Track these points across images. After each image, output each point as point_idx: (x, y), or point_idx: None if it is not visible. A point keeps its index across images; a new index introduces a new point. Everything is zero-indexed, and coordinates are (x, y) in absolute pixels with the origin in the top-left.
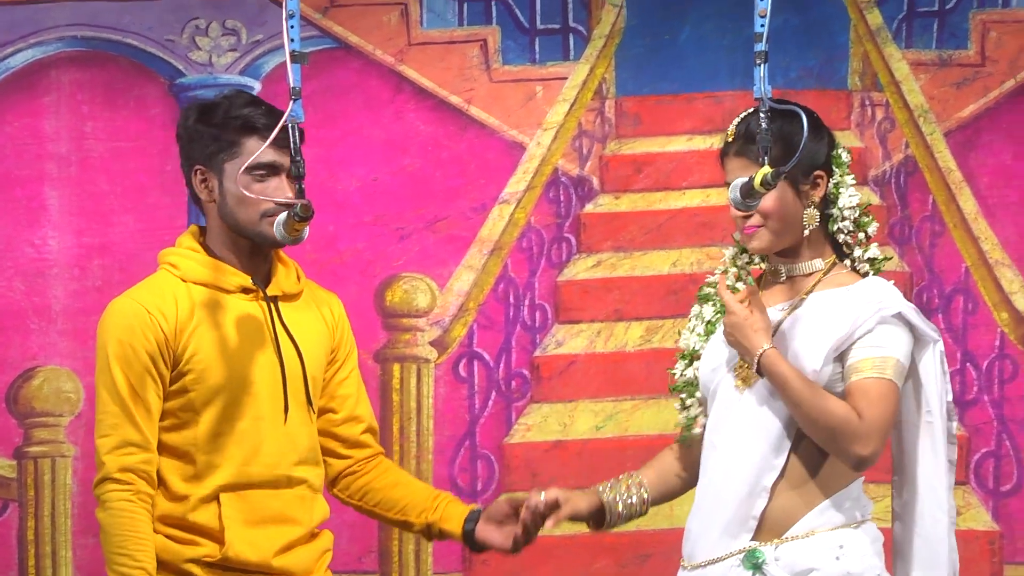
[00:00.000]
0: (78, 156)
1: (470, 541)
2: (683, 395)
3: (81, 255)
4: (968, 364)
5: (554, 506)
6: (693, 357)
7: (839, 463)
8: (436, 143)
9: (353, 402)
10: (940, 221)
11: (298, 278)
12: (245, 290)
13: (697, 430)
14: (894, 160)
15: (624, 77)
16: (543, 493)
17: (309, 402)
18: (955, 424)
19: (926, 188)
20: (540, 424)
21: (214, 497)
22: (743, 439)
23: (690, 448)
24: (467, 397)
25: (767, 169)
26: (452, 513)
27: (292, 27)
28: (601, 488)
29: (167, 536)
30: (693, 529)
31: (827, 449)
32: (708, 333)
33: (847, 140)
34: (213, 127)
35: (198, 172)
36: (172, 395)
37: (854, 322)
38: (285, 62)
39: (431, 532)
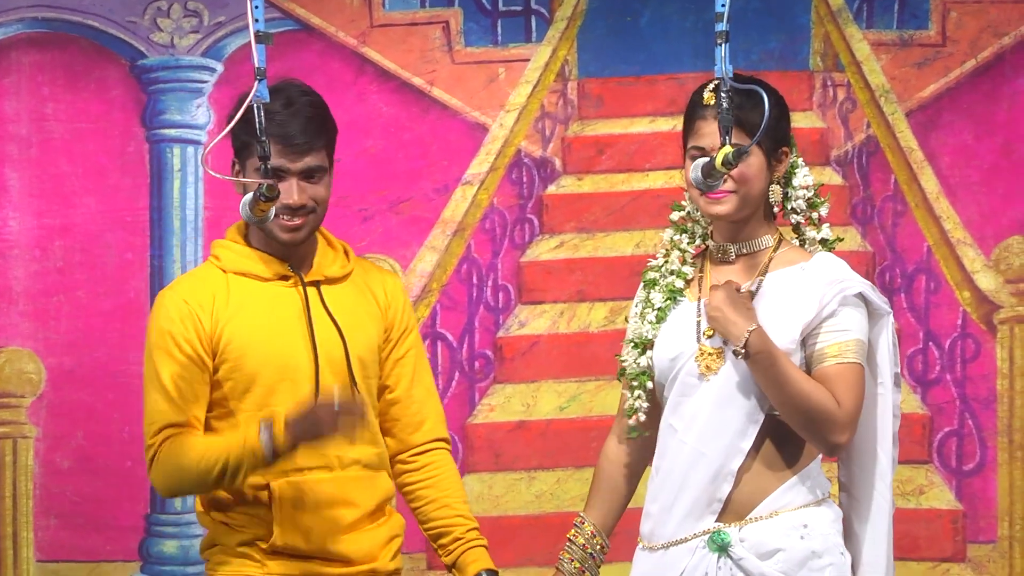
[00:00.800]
0: (39, 138)
1: None
2: (634, 383)
3: (42, 236)
4: (930, 343)
5: None
6: (646, 345)
7: (800, 443)
8: (399, 125)
9: (408, 381)
10: (902, 201)
11: (347, 259)
12: (283, 277)
13: (634, 422)
14: (856, 140)
15: (586, 59)
16: None
17: (353, 382)
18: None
19: (888, 168)
20: (503, 404)
21: (264, 486)
22: (708, 424)
23: (625, 447)
24: None
25: (728, 149)
26: (463, 565)
27: (257, 7)
28: (561, 564)
29: (221, 522)
30: (653, 511)
31: (802, 434)
32: (660, 320)
33: (809, 121)
34: (243, 122)
35: (235, 164)
36: (215, 385)
37: (820, 302)
38: (247, 44)
39: (446, 566)
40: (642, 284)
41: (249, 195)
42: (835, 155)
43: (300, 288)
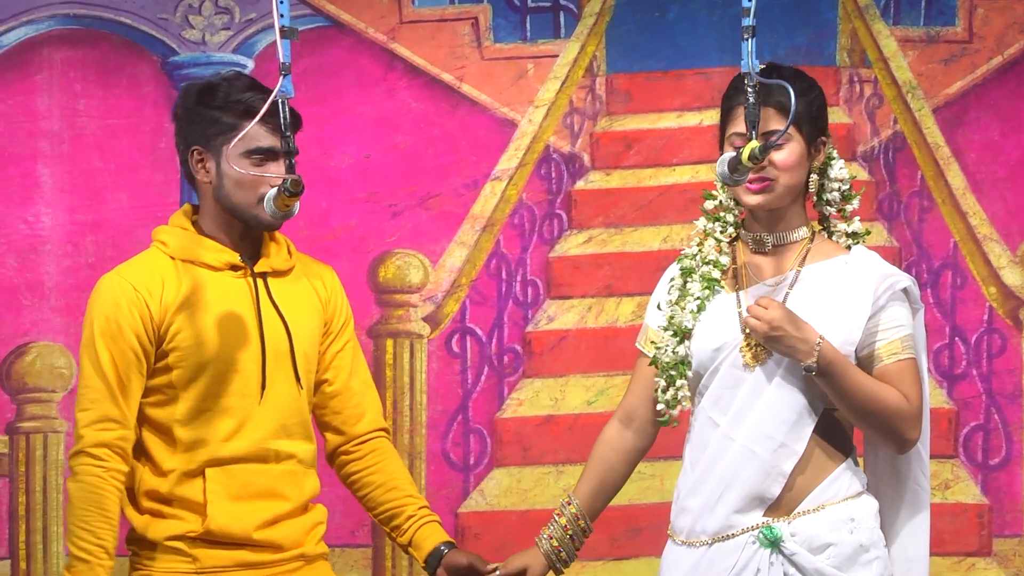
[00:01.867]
0: (71, 134)
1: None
2: (673, 372)
3: (74, 232)
4: (957, 338)
5: None
6: (685, 335)
7: (846, 437)
8: (428, 121)
9: (347, 374)
10: (928, 196)
11: (290, 254)
12: (233, 267)
13: (677, 411)
14: (882, 136)
15: (614, 54)
16: (498, 567)
17: (297, 377)
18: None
19: (914, 164)
20: (532, 399)
21: (200, 472)
22: (759, 423)
23: (626, 435)
24: (460, 372)
25: (755, 143)
26: (420, 541)
27: (282, 2)
28: (540, 540)
29: (152, 513)
30: (693, 506)
31: (875, 435)
32: (701, 310)
33: (836, 116)
34: (213, 109)
35: (195, 152)
36: (158, 372)
37: (873, 295)
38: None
39: (401, 547)
40: (678, 271)
41: (273, 190)
42: (861, 150)
43: (250, 279)
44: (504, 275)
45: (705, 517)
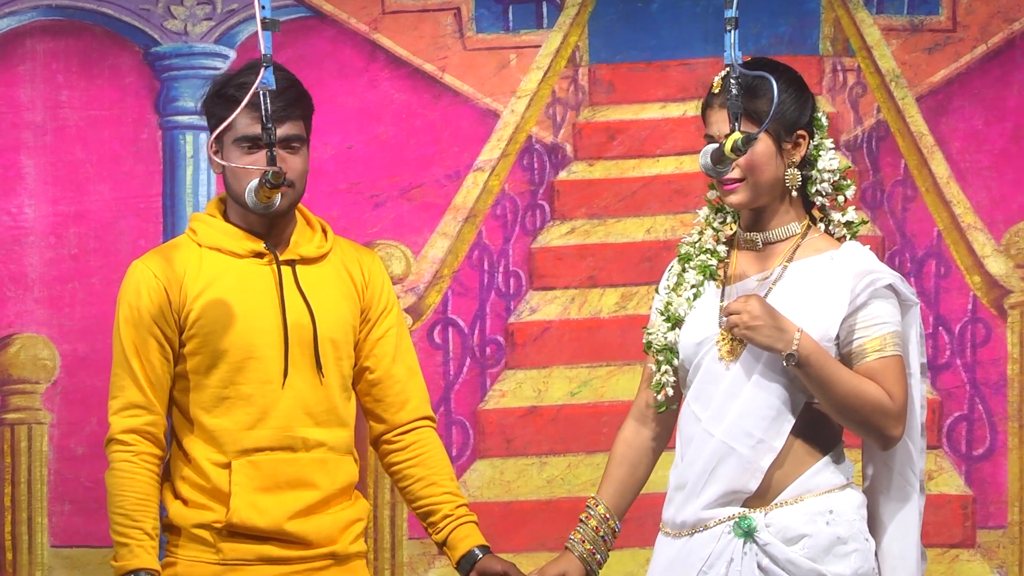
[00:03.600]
0: (54, 125)
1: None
2: (660, 358)
3: (57, 223)
4: (940, 328)
5: None
6: (678, 322)
7: (830, 431)
8: (410, 111)
9: (389, 361)
10: (912, 185)
11: (325, 238)
12: (258, 255)
13: (662, 397)
14: (866, 125)
15: (597, 45)
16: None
17: (318, 363)
18: (925, 387)
19: (898, 153)
20: (514, 390)
21: (227, 463)
22: (736, 418)
23: (644, 430)
24: (442, 363)
25: (737, 135)
26: (455, 542)
27: None
28: (572, 544)
29: (183, 500)
30: (676, 498)
31: (856, 431)
32: (697, 298)
33: (819, 105)
34: (217, 100)
35: (212, 146)
36: (181, 359)
37: (851, 293)
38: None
39: (436, 544)
40: (679, 259)
41: (254, 181)
42: (845, 140)
43: (274, 266)
44: (486, 266)
45: (686, 509)
